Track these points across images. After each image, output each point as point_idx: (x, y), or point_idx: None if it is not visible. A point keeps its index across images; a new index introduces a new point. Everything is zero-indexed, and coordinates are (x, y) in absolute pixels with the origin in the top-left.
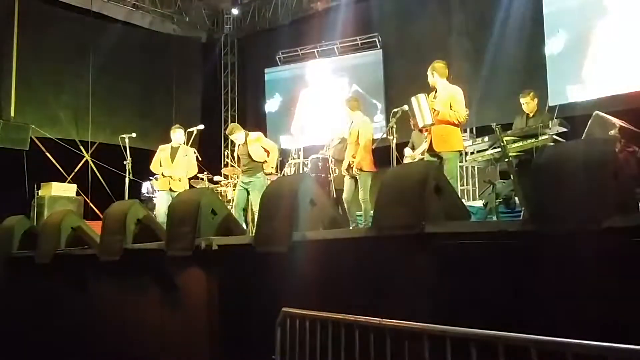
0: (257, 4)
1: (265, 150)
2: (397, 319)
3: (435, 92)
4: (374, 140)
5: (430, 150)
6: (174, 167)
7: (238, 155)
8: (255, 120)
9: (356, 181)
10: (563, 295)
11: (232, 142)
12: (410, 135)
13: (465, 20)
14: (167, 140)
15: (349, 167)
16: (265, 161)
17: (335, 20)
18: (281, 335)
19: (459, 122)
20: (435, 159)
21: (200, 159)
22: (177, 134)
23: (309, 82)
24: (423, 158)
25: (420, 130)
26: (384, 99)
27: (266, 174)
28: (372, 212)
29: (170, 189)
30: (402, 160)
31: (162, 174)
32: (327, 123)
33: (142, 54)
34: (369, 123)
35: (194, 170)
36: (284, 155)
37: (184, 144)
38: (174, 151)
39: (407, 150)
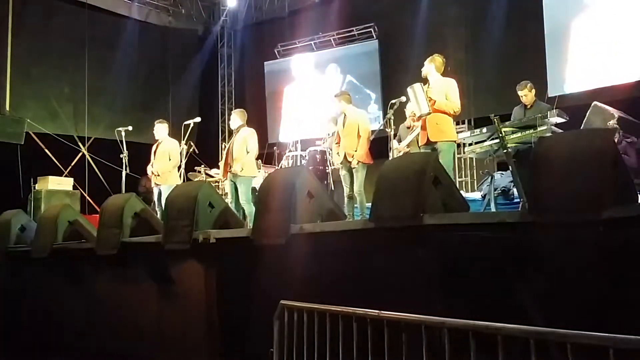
0: None
1: (247, 151)
2: (395, 310)
3: (428, 84)
4: (371, 132)
5: (426, 142)
6: (154, 162)
7: (229, 149)
8: (252, 113)
9: (350, 174)
10: (563, 286)
11: (229, 134)
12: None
13: (462, 10)
14: None
15: (346, 160)
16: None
17: (331, 11)
18: (279, 328)
19: (454, 112)
20: (431, 151)
21: (197, 152)
22: (157, 129)
23: (306, 74)
24: (409, 151)
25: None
26: (380, 90)
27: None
28: (367, 204)
29: (155, 184)
30: (390, 154)
31: (148, 172)
32: (324, 115)
33: (138, 47)
34: (367, 115)
35: (172, 163)
36: (281, 147)
37: (182, 137)
38: (157, 147)
39: (394, 143)
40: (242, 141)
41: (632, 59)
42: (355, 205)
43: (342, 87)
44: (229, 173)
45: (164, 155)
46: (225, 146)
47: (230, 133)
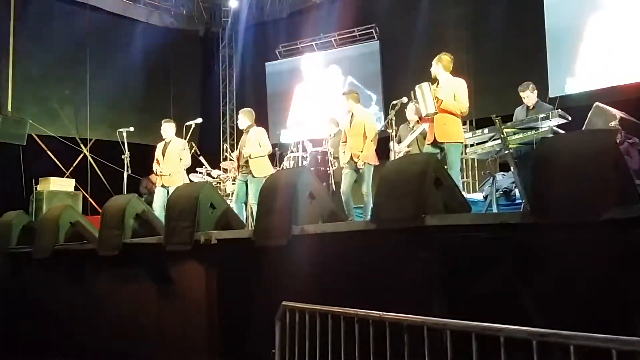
0: None
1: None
2: (397, 311)
3: (438, 83)
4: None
5: (433, 142)
6: (163, 163)
7: (239, 148)
8: (255, 114)
9: (356, 174)
10: (564, 287)
11: (230, 135)
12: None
13: (464, 11)
14: None
15: (351, 160)
16: (250, 155)
17: (333, 12)
18: (280, 329)
19: (460, 113)
20: (437, 151)
21: (198, 153)
22: (166, 129)
23: (308, 75)
24: (409, 151)
25: (420, 119)
26: (381, 91)
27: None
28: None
29: (163, 185)
30: (390, 155)
31: (155, 172)
32: (325, 116)
33: (140, 48)
34: (374, 116)
35: (184, 163)
36: (283, 148)
37: (183, 138)
38: (165, 147)
39: (394, 144)
40: (254, 141)
41: (634, 60)
42: (356, 206)
43: (344, 88)
44: (241, 173)
45: (174, 155)
46: (227, 147)
47: (232, 133)
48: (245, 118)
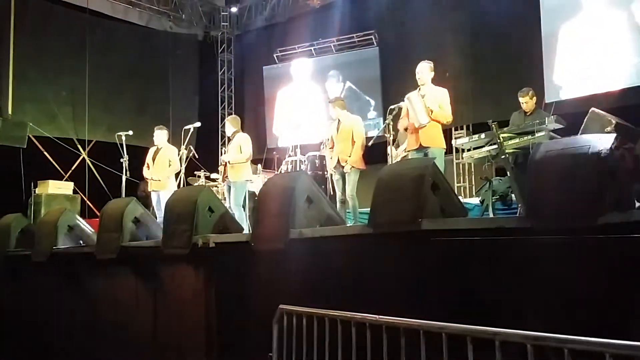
0: (254, 1)
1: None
2: (393, 315)
3: (420, 89)
4: (368, 138)
5: (418, 147)
6: (153, 168)
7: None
8: (252, 118)
9: (344, 178)
10: (560, 292)
11: (228, 139)
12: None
13: (462, 17)
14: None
15: (339, 164)
16: (228, 162)
17: (332, 17)
18: (278, 332)
19: (446, 122)
20: (422, 156)
21: (197, 157)
22: (157, 135)
23: (306, 80)
24: (406, 156)
25: (405, 129)
26: (381, 96)
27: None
28: (359, 208)
29: (153, 190)
30: (388, 159)
31: (145, 177)
32: (322, 120)
33: (139, 52)
34: (362, 121)
35: (172, 170)
36: (281, 153)
37: (182, 141)
38: (156, 152)
39: (392, 149)
40: (235, 147)
41: (630, 65)
42: (347, 210)
43: (342, 94)
44: (226, 178)
45: (163, 161)
46: (225, 151)
47: (230, 138)
48: (230, 125)
